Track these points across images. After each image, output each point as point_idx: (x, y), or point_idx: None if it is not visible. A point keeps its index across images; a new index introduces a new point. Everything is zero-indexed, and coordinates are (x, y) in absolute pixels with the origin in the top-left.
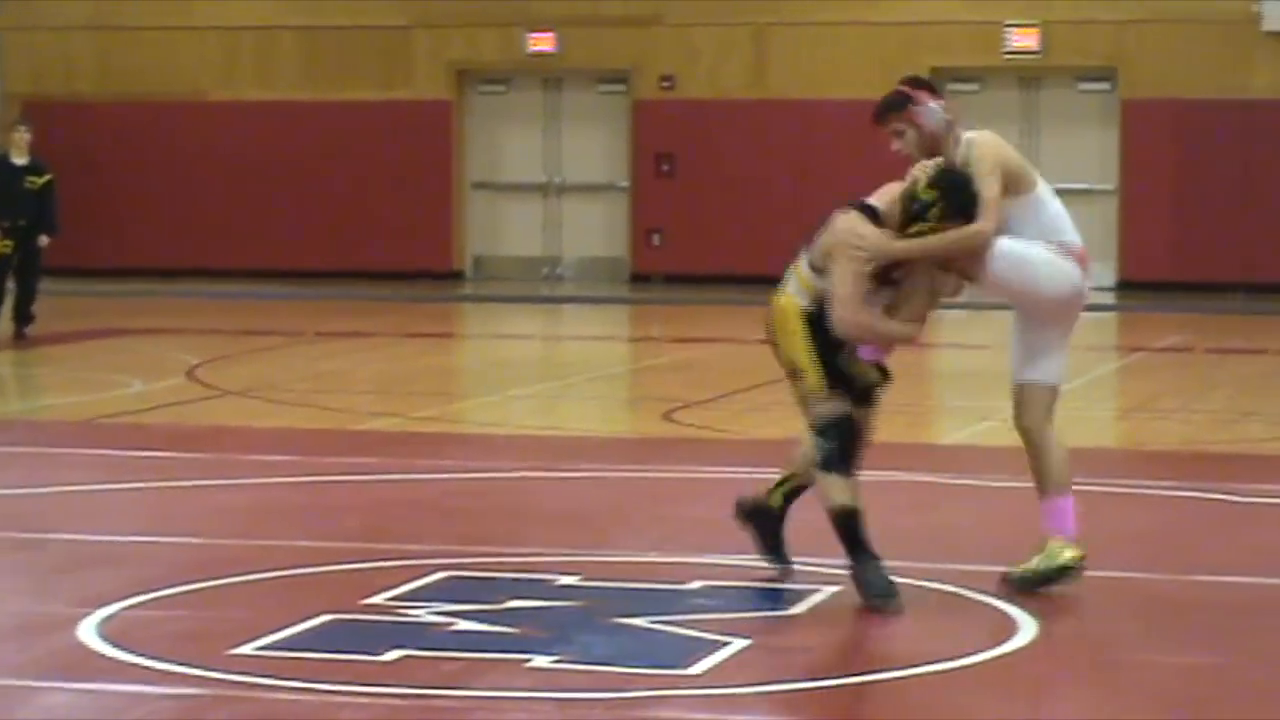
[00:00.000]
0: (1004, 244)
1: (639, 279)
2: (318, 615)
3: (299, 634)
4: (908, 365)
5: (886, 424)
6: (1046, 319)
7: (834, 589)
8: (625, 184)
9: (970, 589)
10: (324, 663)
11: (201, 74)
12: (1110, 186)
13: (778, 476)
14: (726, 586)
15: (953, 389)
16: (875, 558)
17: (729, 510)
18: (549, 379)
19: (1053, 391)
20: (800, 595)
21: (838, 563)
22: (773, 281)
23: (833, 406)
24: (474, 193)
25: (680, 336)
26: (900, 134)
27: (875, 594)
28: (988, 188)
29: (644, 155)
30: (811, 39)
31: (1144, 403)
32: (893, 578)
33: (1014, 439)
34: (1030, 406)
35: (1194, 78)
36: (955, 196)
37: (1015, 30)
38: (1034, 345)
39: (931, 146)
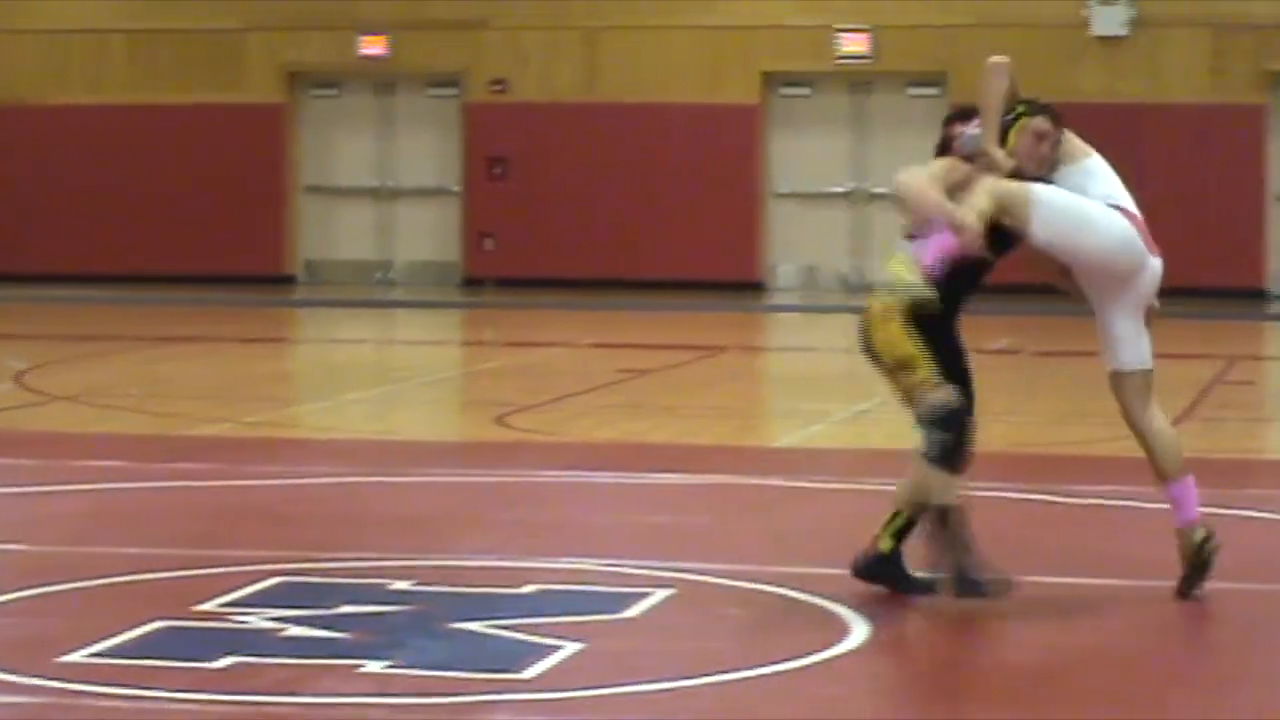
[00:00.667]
0: (1043, 191)
1: (471, 283)
2: (149, 622)
3: (130, 641)
4: (740, 370)
5: (717, 427)
6: (1105, 284)
7: (667, 592)
8: (457, 188)
9: (803, 591)
10: (155, 670)
11: (31, 78)
12: None
13: (884, 519)
14: (561, 590)
15: (785, 392)
16: (972, 553)
17: (561, 512)
18: (382, 383)
19: (1140, 376)
20: (634, 599)
21: (671, 565)
22: (607, 284)
23: (946, 395)
24: (306, 196)
25: (513, 340)
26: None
27: (968, 594)
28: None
29: (475, 159)
30: (643, 42)
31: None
32: (983, 576)
33: (845, 441)
34: (1122, 396)
35: (1024, 81)
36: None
37: (846, 35)
38: (1107, 326)
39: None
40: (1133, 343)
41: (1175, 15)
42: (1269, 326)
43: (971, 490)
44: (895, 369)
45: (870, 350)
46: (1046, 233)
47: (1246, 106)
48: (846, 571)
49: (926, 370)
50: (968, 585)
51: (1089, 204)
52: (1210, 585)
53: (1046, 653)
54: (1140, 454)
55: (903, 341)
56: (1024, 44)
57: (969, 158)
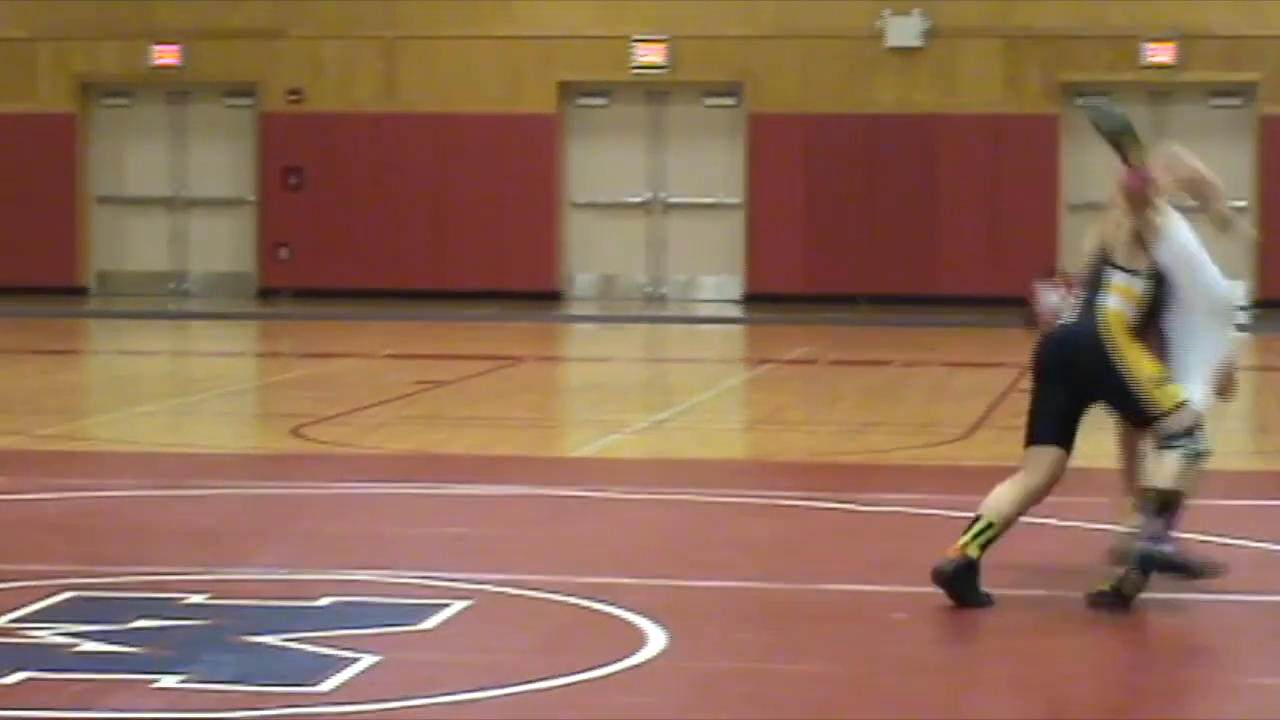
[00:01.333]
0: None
1: (266, 293)
2: None
3: None
4: (537, 380)
5: (515, 437)
6: (1196, 325)
7: (464, 603)
8: (252, 198)
9: (601, 601)
10: None
11: None
12: (737, 200)
13: (972, 528)
14: (357, 602)
15: (583, 402)
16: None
17: (358, 524)
18: (176, 395)
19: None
20: (431, 610)
21: (468, 576)
22: (405, 295)
23: (1193, 408)
24: (98, 207)
25: (309, 352)
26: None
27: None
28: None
29: (271, 169)
30: (442, 52)
31: (771, 414)
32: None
33: (644, 450)
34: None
35: (820, 93)
36: None
37: (643, 45)
38: (1181, 362)
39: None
40: (1200, 384)
41: (969, 26)
42: None
43: (772, 500)
44: (1133, 385)
45: (1093, 367)
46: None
47: (1040, 116)
48: (646, 581)
49: (1172, 385)
50: (1175, 567)
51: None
52: (1029, 591)
53: (839, 661)
54: (936, 461)
55: (1139, 358)
56: (819, 55)
57: (1054, 314)
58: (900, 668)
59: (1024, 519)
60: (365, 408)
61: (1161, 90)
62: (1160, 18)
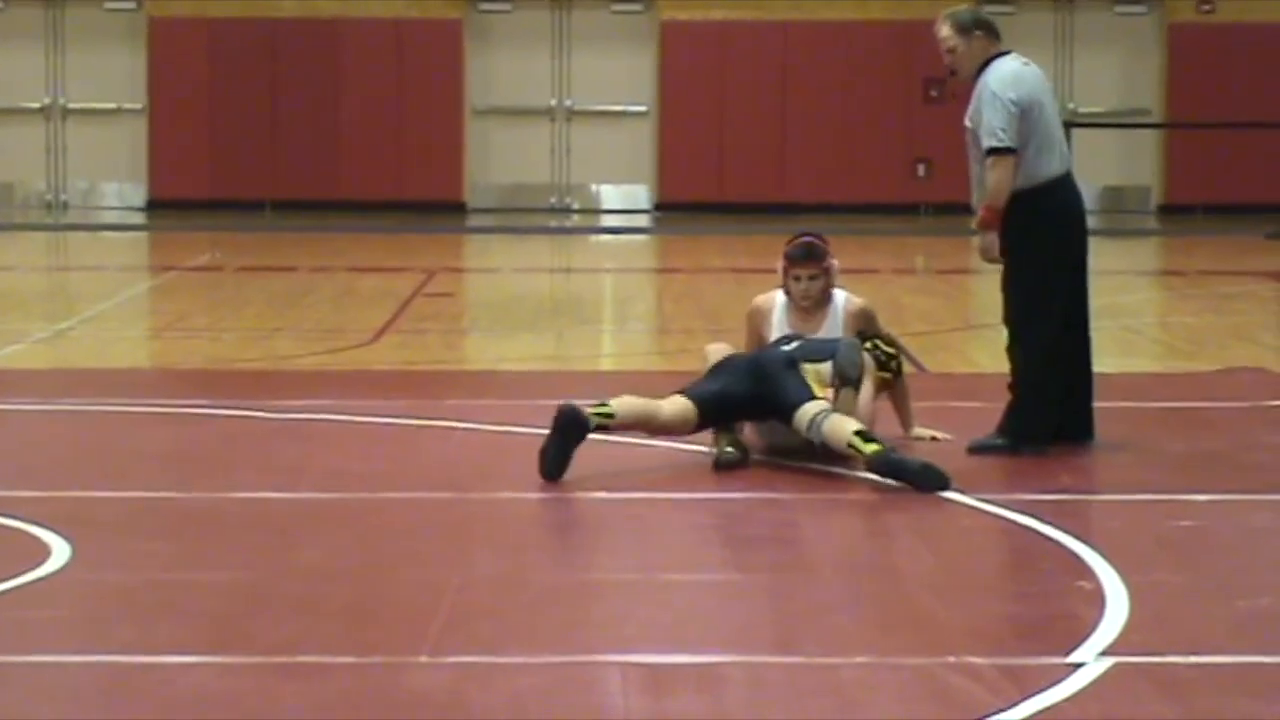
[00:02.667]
0: None
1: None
2: None
3: None
4: None
5: None
6: None
7: None
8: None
9: (0, 514)
10: None
11: None
12: (139, 106)
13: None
14: None
15: None
16: None
17: None
18: None
19: None
20: None
21: None
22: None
23: None
24: None
25: None
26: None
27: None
28: None
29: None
30: None
31: (174, 322)
32: None
33: (45, 361)
34: None
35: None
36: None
37: None
38: None
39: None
40: None
41: None
42: (467, 239)
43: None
44: None
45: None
46: None
47: (444, 21)
48: (48, 493)
49: None
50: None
51: None
52: (411, 495)
53: (253, 569)
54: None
55: None
56: None
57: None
58: (307, 574)
59: None
60: None
61: None
62: None
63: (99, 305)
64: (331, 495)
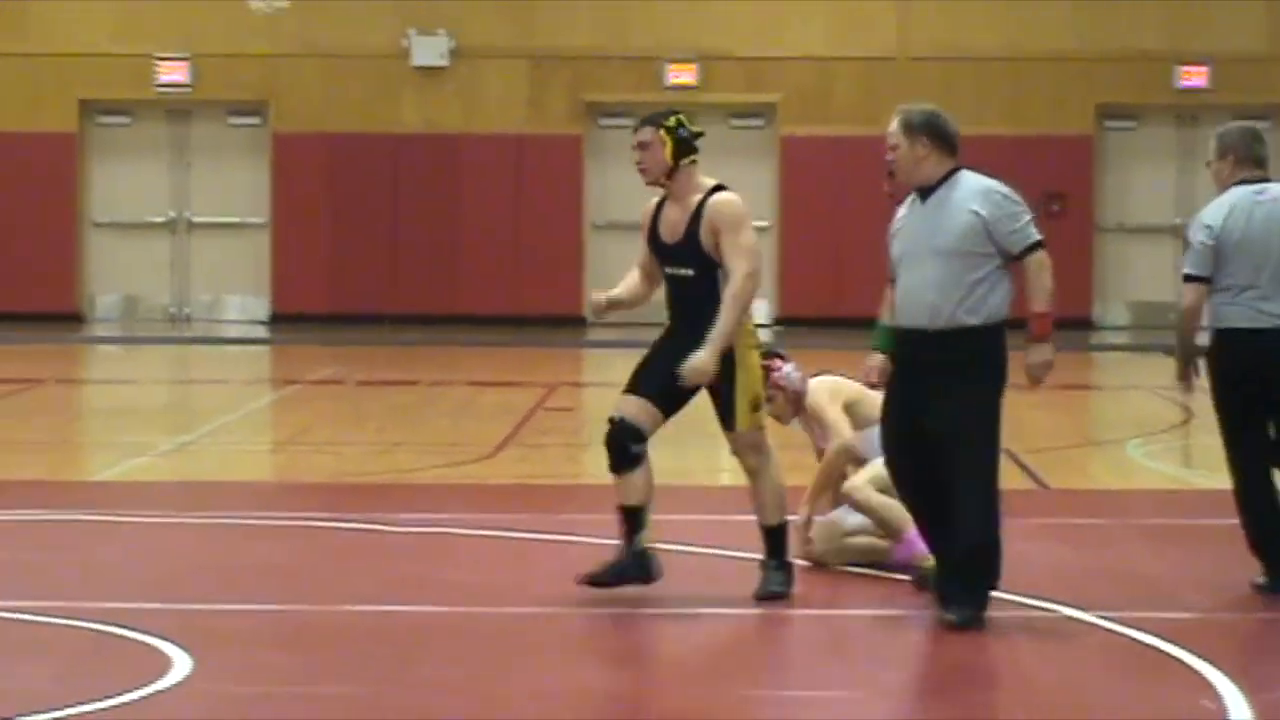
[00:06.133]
0: None
1: None
2: None
3: None
4: (58, 402)
5: (35, 461)
6: None
7: None
8: None
9: (121, 626)
10: None
11: None
12: (262, 220)
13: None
14: None
15: (106, 425)
16: None
17: None
18: None
19: None
20: None
21: None
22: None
23: None
24: None
25: None
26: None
27: None
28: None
29: None
30: None
31: (296, 435)
32: None
33: (167, 474)
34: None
35: (344, 112)
36: None
37: (165, 63)
38: None
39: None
40: None
41: (493, 47)
42: (586, 353)
43: (296, 521)
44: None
45: None
46: None
47: (564, 136)
48: (169, 606)
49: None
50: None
51: None
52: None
53: (368, 682)
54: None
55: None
56: (344, 74)
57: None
58: (424, 687)
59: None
60: None
61: (684, 111)
62: (682, 40)
63: (222, 418)
64: (450, 609)
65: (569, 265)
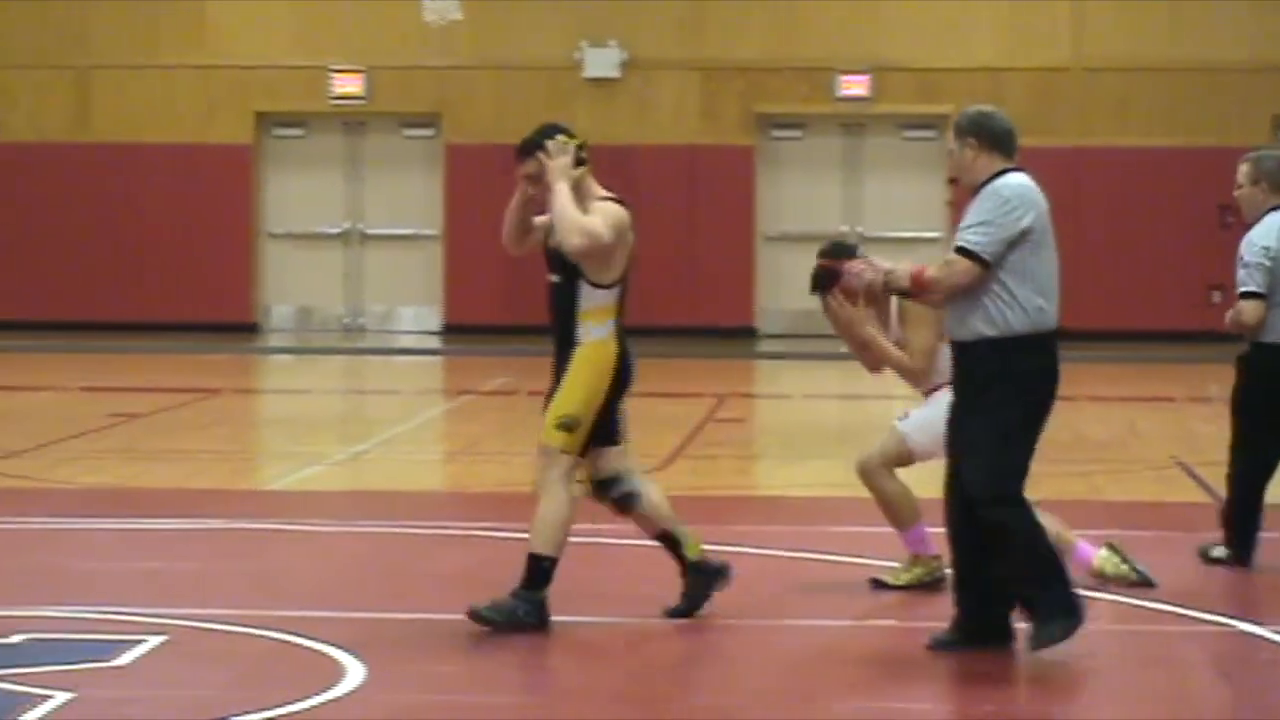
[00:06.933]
0: None
1: None
2: None
3: None
4: (234, 412)
5: (212, 470)
6: None
7: (160, 638)
8: None
9: (297, 635)
10: None
11: None
12: (435, 231)
13: None
14: (49, 639)
15: (281, 434)
16: None
17: (50, 559)
18: None
19: None
20: (125, 646)
21: (163, 611)
22: (101, 327)
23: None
24: None
25: None
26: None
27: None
28: None
29: None
30: (137, 81)
31: (468, 445)
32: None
33: (342, 483)
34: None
35: (517, 123)
36: None
37: (340, 75)
38: None
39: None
40: None
41: (666, 58)
42: (757, 365)
43: (469, 530)
44: None
45: None
46: None
47: (736, 147)
48: (344, 614)
49: None
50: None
51: None
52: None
53: (543, 694)
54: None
55: None
56: (517, 86)
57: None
58: (591, 696)
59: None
60: (57, 441)
61: (855, 122)
62: (854, 50)
63: (395, 428)
64: (619, 619)
65: (740, 276)
